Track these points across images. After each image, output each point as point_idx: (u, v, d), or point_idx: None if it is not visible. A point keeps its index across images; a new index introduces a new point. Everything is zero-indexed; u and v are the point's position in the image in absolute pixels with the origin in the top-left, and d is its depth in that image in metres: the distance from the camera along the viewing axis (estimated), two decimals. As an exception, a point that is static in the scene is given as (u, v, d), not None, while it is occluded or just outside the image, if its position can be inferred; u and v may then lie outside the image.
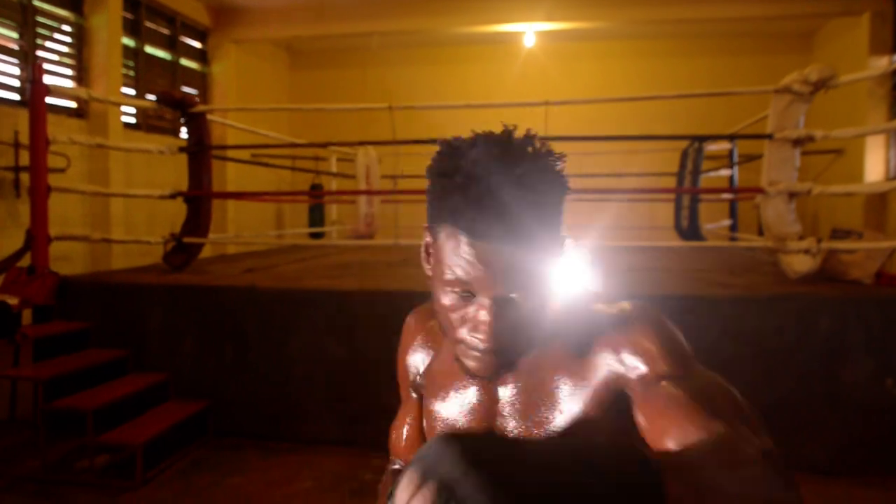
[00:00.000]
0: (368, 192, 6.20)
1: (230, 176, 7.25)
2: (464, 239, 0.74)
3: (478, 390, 0.90)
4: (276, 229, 8.86)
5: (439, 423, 0.95)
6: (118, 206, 5.66)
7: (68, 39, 5.99)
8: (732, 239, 6.96)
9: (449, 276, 0.76)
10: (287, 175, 8.45)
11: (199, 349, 3.59)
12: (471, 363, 0.81)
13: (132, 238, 4.59)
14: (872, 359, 3.03)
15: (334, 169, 7.76)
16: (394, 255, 5.64)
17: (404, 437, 1.09)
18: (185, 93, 5.10)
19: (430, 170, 0.77)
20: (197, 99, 4.80)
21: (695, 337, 0.85)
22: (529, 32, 7.92)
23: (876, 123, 6.55)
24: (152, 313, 3.66)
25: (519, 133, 0.78)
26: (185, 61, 7.73)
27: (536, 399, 0.85)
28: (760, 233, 4.49)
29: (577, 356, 0.83)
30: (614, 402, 0.81)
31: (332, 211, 8.38)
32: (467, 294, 0.77)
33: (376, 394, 3.17)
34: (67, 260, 4.85)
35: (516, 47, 8.55)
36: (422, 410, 1.03)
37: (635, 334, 0.80)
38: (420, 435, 1.07)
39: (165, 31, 7.42)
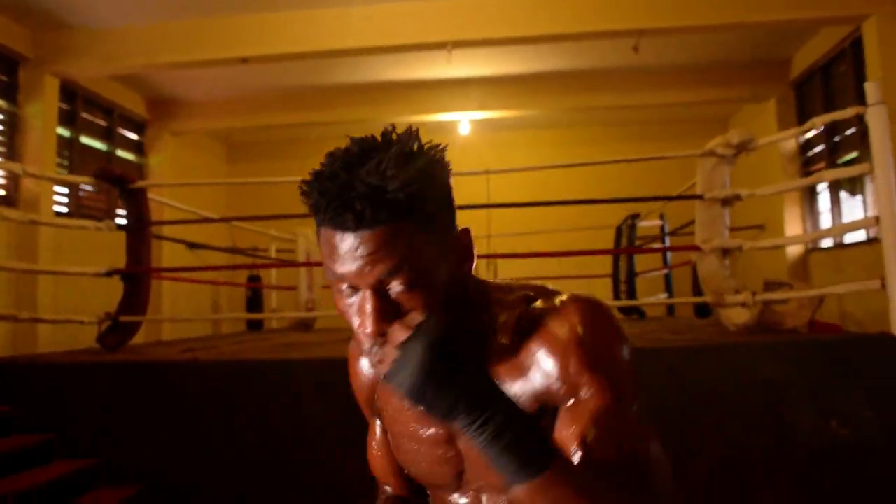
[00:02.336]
0: (309, 264, 6.13)
1: (166, 265, 7.08)
2: (331, 233, 0.76)
3: None
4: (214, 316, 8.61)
5: (400, 438, 0.95)
6: (47, 288, 5.41)
7: (0, 127, 5.89)
8: (670, 307, 7.16)
9: (329, 274, 0.79)
10: (224, 269, 8.31)
11: (136, 430, 3.37)
12: (375, 365, 0.80)
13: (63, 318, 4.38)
14: (816, 402, 3.11)
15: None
16: (339, 335, 5.55)
17: (380, 461, 1.07)
18: (123, 169, 5.04)
19: (305, 182, 0.80)
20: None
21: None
22: (464, 121, 8.26)
23: (791, 196, 7.05)
24: (84, 394, 3.44)
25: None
26: (121, 152, 7.68)
27: None
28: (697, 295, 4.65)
29: (509, 348, 0.84)
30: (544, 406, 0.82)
31: (272, 299, 8.24)
32: (351, 289, 0.79)
33: (330, 469, 3.03)
34: (-12, 348, 4.57)
35: (453, 136, 8.88)
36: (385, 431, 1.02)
37: (567, 342, 0.81)
38: (391, 455, 1.03)
39: (102, 122, 7.39)
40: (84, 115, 7.04)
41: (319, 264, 6.80)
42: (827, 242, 6.83)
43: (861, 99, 3.30)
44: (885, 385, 3.01)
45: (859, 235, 6.08)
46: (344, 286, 0.79)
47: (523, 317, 0.85)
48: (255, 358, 3.53)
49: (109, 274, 4.03)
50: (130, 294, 4.14)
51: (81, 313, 4.23)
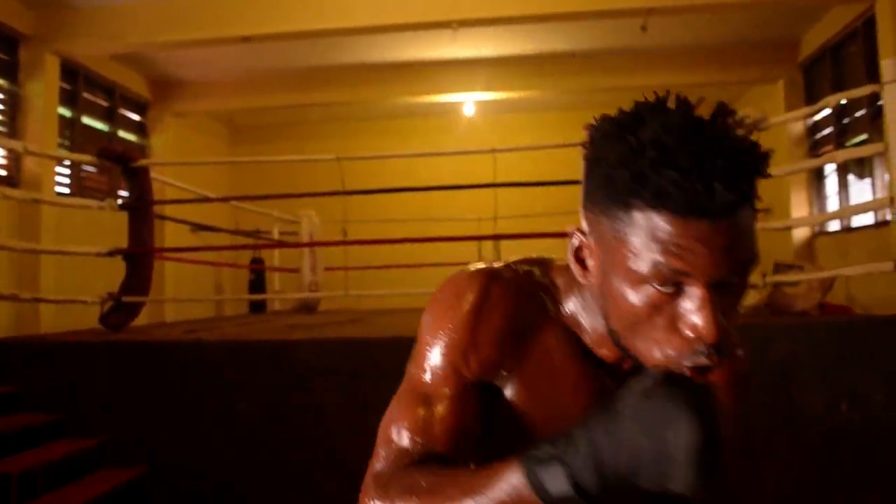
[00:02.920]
0: (313, 244, 6.10)
1: (169, 244, 7.05)
2: (671, 218, 0.61)
3: (592, 381, 0.77)
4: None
5: (540, 415, 0.77)
6: (49, 267, 5.37)
7: (1, 107, 5.83)
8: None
9: (646, 268, 0.63)
10: (227, 250, 8.28)
11: (140, 411, 3.35)
12: (690, 371, 0.65)
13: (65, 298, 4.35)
14: (826, 385, 3.08)
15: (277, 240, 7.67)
16: (341, 317, 5.52)
17: (446, 424, 0.76)
18: (126, 147, 4.98)
19: (598, 147, 0.67)
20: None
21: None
22: (469, 102, 8.18)
23: (798, 179, 6.99)
24: (89, 374, 3.42)
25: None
26: (122, 133, 7.61)
27: None
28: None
29: None
30: None
31: (275, 280, 8.21)
32: (673, 287, 0.63)
33: (333, 451, 3.01)
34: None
35: (457, 118, 8.80)
36: (477, 401, 0.78)
37: None
38: (467, 425, 0.77)
39: (104, 103, 7.32)
40: (85, 95, 6.97)
41: (323, 244, 6.77)
42: (834, 226, 6.78)
43: (872, 79, 3.24)
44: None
45: (867, 219, 6.03)
46: (667, 286, 0.63)
47: None
48: (258, 338, 3.50)
49: (112, 254, 4.00)
50: (133, 274, 4.11)
51: (84, 293, 4.20)
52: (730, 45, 7.12)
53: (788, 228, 6.07)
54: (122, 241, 4.28)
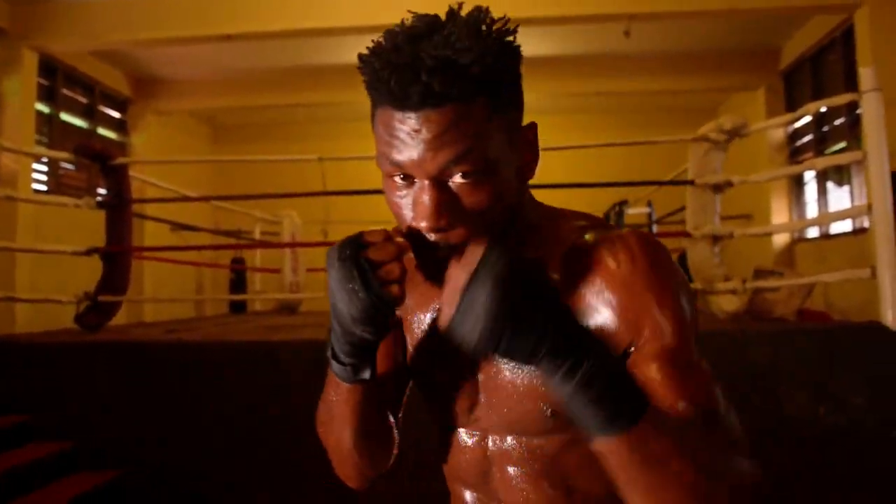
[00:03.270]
0: (294, 245, 6.06)
1: (149, 243, 6.97)
2: (391, 113, 0.68)
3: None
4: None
5: (421, 355, 0.85)
6: (25, 267, 5.28)
7: (-24, 102, 5.74)
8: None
9: (383, 163, 0.70)
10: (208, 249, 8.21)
11: (115, 413, 3.29)
12: (424, 261, 0.72)
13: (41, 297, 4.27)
14: (805, 389, 3.10)
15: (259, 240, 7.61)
16: (324, 318, 5.48)
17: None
18: (105, 145, 4.90)
19: (363, 56, 0.71)
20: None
21: None
22: (454, 105, 8.16)
23: (779, 186, 7.06)
24: (61, 375, 3.36)
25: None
26: (102, 130, 7.51)
27: None
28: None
29: (559, 284, 0.73)
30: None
31: (256, 281, 8.14)
32: (403, 178, 0.70)
33: (308, 455, 2.97)
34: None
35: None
36: (394, 341, 0.90)
37: (628, 276, 0.71)
38: (392, 364, 0.90)
39: (83, 100, 7.22)
40: (64, 91, 6.87)
41: (304, 245, 6.73)
42: (813, 232, 6.85)
43: (851, 88, 3.28)
44: (875, 373, 3.01)
45: (845, 226, 6.10)
46: (398, 177, 0.70)
47: (575, 249, 0.74)
48: (239, 339, 3.46)
49: (89, 252, 3.93)
50: (110, 273, 4.04)
51: (61, 293, 4.12)
52: (712, 52, 7.18)
53: (767, 234, 6.12)
54: (102, 240, 4.21)
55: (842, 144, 6.19)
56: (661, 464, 0.64)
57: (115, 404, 3.29)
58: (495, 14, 0.71)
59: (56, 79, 6.71)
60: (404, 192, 0.71)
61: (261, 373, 3.24)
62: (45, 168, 6.42)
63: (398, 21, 0.70)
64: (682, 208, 4.55)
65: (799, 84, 7.08)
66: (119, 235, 4.08)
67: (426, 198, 0.68)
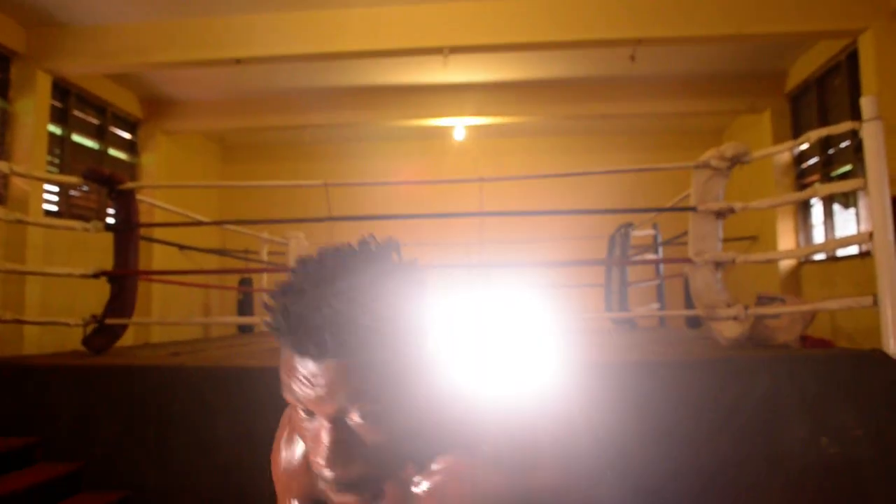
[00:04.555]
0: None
1: (156, 267, 7.02)
2: (294, 357, 0.72)
3: None
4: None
5: None
6: (34, 289, 5.34)
7: (-10, 124, 5.84)
8: (661, 319, 7.14)
9: (288, 394, 0.74)
10: (216, 268, 8.27)
11: (119, 436, 3.32)
12: (332, 497, 0.75)
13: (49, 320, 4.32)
14: (807, 418, 3.09)
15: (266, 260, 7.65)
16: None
17: None
18: (113, 169, 4.97)
19: (270, 303, 0.75)
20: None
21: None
22: (459, 126, 8.23)
23: (785, 207, 7.05)
24: (68, 397, 3.39)
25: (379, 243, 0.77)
26: (113, 151, 7.62)
27: None
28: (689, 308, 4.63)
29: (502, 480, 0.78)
30: None
31: (263, 301, 8.17)
32: (309, 414, 0.75)
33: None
34: (-28, 349, 4.51)
35: (448, 142, 8.85)
36: None
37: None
38: None
39: (94, 121, 7.33)
40: (76, 112, 6.98)
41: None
42: (820, 255, 6.83)
43: (856, 111, 3.29)
44: (877, 402, 3.00)
45: (852, 249, 6.08)
46: (302, 409, 0.75)
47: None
48: (239, 364, 3.48)
49: (96, 275, 3.98)
50: (117, 296, 4.09)
51: (71, 314, 4.17)
52: (717, 76, 7.22)
53: (770, 261, 6.10)
54: (111, 261, 4.26)
55: (847, 167, 6.19)
56: None
57: (120, 426, 3.32)
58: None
59: (69, 100, 6.82)
60: (308, 425, 0.76)
61: (262, 396, 3.26)
62: (55, 189, 6.51)
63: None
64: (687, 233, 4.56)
65: (805, 107, 7.10)
66: (126, 258, 4.13)
67: (325, 437, 0.73)
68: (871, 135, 3.13)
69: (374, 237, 0.77)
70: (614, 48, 5.90)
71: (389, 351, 0.71)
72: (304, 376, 0.71)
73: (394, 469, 0.76)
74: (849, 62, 5.99)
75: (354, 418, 0.72)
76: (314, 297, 0.69)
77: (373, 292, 0.71)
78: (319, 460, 0.73)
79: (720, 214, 3.71)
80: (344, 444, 0.72)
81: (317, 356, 0.70)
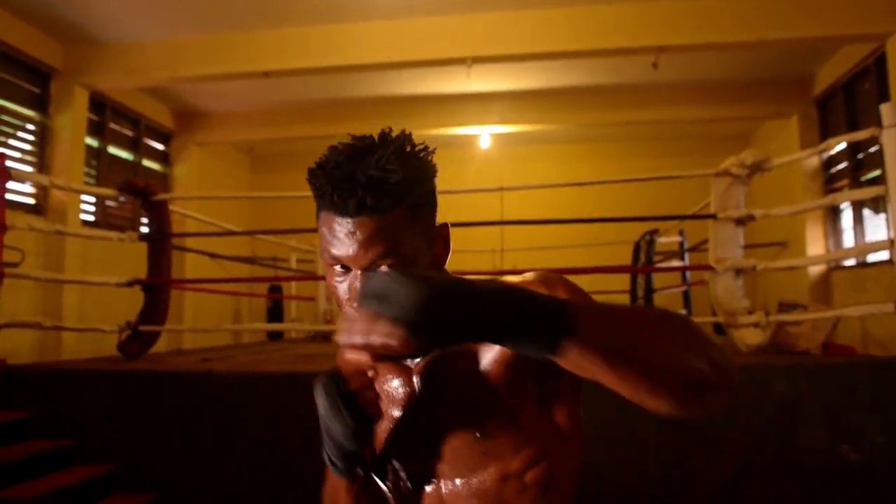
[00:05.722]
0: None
1: (188, 274, 7.21)
2: (332, 217, 0.84)
3: (399, 381, 0.94)
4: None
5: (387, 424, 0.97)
6: (72, 297, 5.54)
7: (31, 138, 6.06)
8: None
9: (325, 255, 0.87)
10: (245, 276, 8.44)
11: (150, 439, 3.45)
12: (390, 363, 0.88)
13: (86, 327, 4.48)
14: (827, 425, 3.08)
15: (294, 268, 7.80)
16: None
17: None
18: (146, 181, 5.15)
19: (311, 170, 0.87)
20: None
21: None
22: (485, 135, 8.30)
23: (813, 213, 6.96)
24: (101, 402, 3.53)
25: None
26: (147, 162, 7.84)
27: (456, 381, 0.89)
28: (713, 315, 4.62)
29: None
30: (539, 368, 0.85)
31: (292, 309, 8.33)
32: (346, 269, 0.87)
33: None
34: (14, 355, 4.68)
35: (473, 150, 8.93)
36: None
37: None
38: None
39: (129, 133, 7.56)
40: (112, 125, 7.21)
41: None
42: (850, 261, 6.73)
43: (882, 118, 3.28)
44: (898, 410, 2.98)
45: (883, 254, 5.99)
46: (337, 267, 0.86)
47: None
48: (266, 370, 3.59)
49: (130, 284, 4.12)
50: (150, 304, 4.23)
51: (106, 321, 4.33)
52: (742, 81, 7.17)
53: (794, 268, 6.03)
54: (144, 270, 4.42)
55: (877, 172, 6.11)
56: (633, 339, 0.73)
57: (153, 430, 3.44)
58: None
59: (104, 114, 7.05)
60: (342, 278, 0.88)
61: (288, 402, 3.35)
62: (92, 200, 6.73)
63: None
64: (709, 239, 4.56)
65: (833, 111, 7.01)
66: (159, 267, 4.27)
67: (359, 284, 0.84)
68: (891, 141, 3.12)
69: (391, 129, 0.89)
70: (637, 55, 5.91)
71: (413, 211, 0.86)
72: (344, 234, 0.83)
73: None
74: (877, 66, 5.91)
75: (384, 269, 0.82)
76: (351, 166, 0.82)
77: (399, 161, 0.83)
78: (354, 304, 0.84)
79: (740, 222, 3.72)
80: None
81: (355, 213, 0.82)
